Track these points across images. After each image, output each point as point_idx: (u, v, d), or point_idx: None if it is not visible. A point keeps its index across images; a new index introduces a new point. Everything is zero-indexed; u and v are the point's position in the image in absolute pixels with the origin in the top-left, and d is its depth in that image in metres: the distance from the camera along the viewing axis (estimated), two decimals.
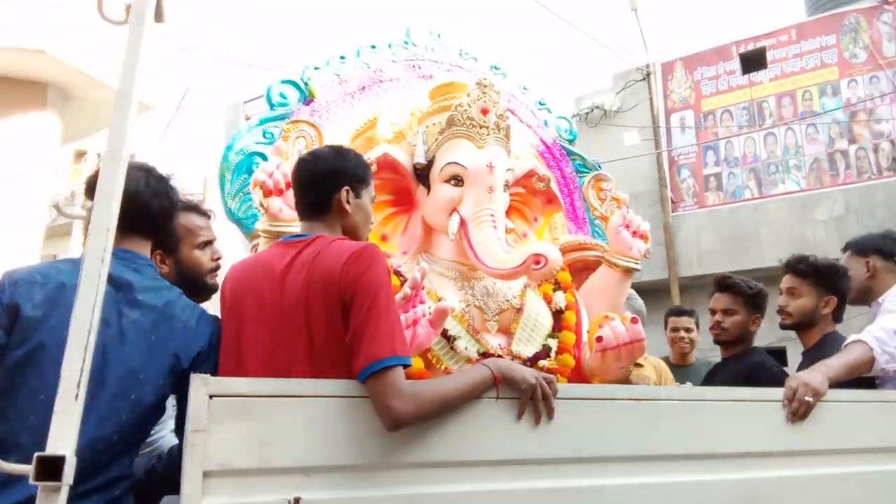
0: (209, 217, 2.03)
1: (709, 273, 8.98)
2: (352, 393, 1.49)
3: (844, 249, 2.68)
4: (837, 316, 2.57)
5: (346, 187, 1.81)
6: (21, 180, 5.12)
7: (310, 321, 1.57)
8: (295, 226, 2.28)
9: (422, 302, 1.97)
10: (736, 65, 9.38)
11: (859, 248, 2.59)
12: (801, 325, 2.55)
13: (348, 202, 1.81)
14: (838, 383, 2.01)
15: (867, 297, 2.52)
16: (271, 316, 1.63)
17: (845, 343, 2.19)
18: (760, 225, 8.76)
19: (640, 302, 3.27)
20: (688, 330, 3.92)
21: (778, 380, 2.33)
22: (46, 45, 4.97)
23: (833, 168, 8.56)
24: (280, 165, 2.27)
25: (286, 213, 2.26)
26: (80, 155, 16.54)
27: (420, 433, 1.51)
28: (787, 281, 2.60)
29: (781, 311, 2.59)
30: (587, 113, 10.12)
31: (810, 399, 1.87)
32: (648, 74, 9.78)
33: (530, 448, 1.60)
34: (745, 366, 2.68)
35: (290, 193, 2.28)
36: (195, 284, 1.98)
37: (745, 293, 2.79)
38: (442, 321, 1.98)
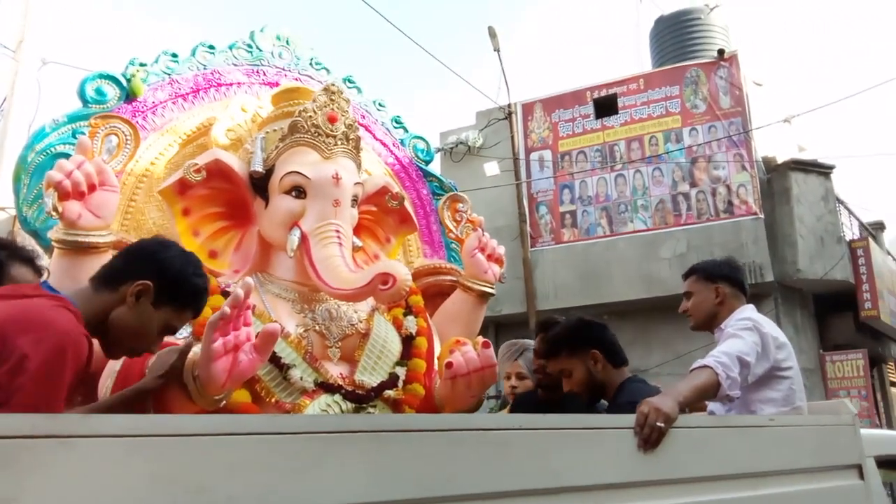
0: (41, 274, 1.69)
1: (565, 307, 9.24)
2: (135, 431, 1.19)
3: (689, 274, 2.63)
4: (615, 361, 2.37)
5: (149, 283, 1.53)
6: None
7: None
8: (98, 234, 1.95)
9: (247, 324, 1.71)
10: (590, 109, 9.86)
11: (707, 273, 2.56)
12: (595, 392, 2.36)
13: (136, 298, 1.53)
14: (691, 409, 1.95)
15: (713, 322, 2.52)
16: None
17: (691, 368, 2.16)
18: (612, 261, 9.15)
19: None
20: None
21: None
22: None
23: (676, 209, 9.13)
24: (82, 164, 1.92)
25: (87, 220, 1.92)
26: None
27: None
28: (552, 367, 2.42)
29: (572, 393, 2.38)
30: (451, 148, 10.22)
31: (662, 425, 1.79)
32: (510, 114, 10.05)
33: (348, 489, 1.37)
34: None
35: (96, 197, 1.95)
36: None
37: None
38: (269, 346, 1.73)
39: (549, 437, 1.69)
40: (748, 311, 2.45)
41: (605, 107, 9.81)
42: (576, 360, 2.33)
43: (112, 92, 2.46)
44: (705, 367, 2.10)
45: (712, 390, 2.07)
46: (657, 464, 1.78)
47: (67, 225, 1.91)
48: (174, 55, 2.65)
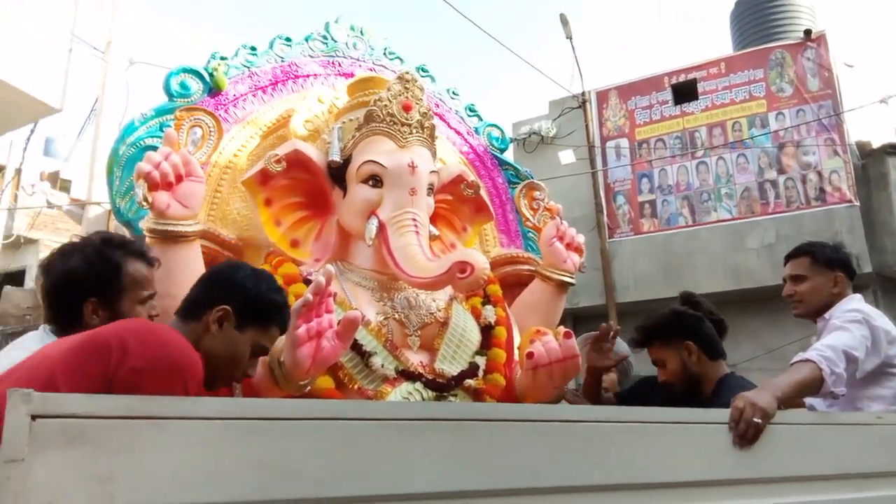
0: (153, 266, 1.75)
1: (645, 299, 8.99)
2: (224, 414, 1.21)
3: (799, 255, 2.40)
4: (712, 354, 2.29)
5: (228, 308, 1.55)
6: None
7: None
8: (186, 224, 2.00)
9: (329, 311, 1.72)
10: (668, 95, 9.52)
11: (827, 259, 2.34)
12: (690, 386, 2.26)
13: (219, 324, 1.54)
14: (787, 404, 1.84)
15: (821, 312, 2.34)
16: None
17: (792, 361, 2.03)
18: (695, 252, 8.82)
19: (623, 346, 3.04)
20: None
21: None
22: None
23: (763, 197, 8.71)
24: (169, 156, 1.98)
25: (175, 210, 1.97)
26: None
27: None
28: (650, 356, 2.36)
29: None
30: (524, 138, 10.09)
31: (759, 420, 1.69)
32: (584, 102, 9.84)
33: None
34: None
35: (183, 187, 2.00)
36: None
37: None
38: (351, 333, 1.73)
39: (637, 431, 1.62)
40: (856, 301, 2.27)
41: (685, 92, 9.44)
42: (669, 350, 2.26)
43: (195, 86, 2.53)
44: (808, 360, 1.97)
45: (815, 386, 1.93)
46: (753, 461, 1.68)
47: (157, 214, 1.97)
48: (253, 48, 2.70)
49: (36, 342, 1.59)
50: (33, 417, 1.06)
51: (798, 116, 8.65)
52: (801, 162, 8.53)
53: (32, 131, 12.18)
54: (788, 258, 2.46)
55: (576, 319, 8.91)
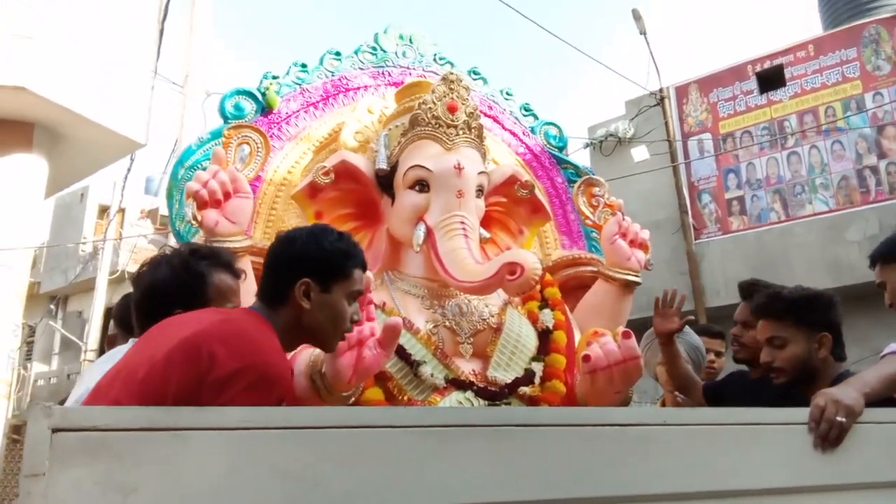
0: (240, 277, 1.78)
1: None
2: (248, 424, 1.18)
3: (873, 264, 2.18)
4: (837, 354, 2.03)
5: (307, 279, 1.51)
6: (6, 228, 4.95)
7: None
8: (235, 240, 2.03)
9: (370, 319, 1.68)
10: (753, 84, 9.06)
11: (894, 255, 2.12)
12: (799, 378, 2.00)
13: (307, 297, 1.51)
14: (876, 401, 1.64)
15: None
16: None
17: (882, 353, 1.82)
18: (789, 248, 8.30)
19: (695, 337, 2.87)
20: (718, 354, 3.49)
21: None
22: (28, 82, 4.82)
23: (863, 185, 8.11)
24: (217, 174, 2.01)
25: (223, 227, 2.00)
26: (104, 210, 16.76)
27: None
28: (763, 329, 2.06)
29: (769, 368, 2.04)
30: (601, 141, 9.85)
31: (843, 419, 1.51)
32: (662, 99, 9.49)
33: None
34: None
35: (231, 204, 2.03)
36: None
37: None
38: (393, 341, 1.69)
39: (702, 434, 1.49)
40: None
41: (771, 80, 8.95)
42: (801, 333, 1.98)
43: (249, 106, 2.58)
44: None
45: None
46: (838, 465, 1.51)
47: (207, 232, 2.01)
48: (303, 66, 2.73)
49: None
50: (54, 431, 1.06)
51: None
52: None
53: (129, 169, 13.00)
54: (873, 261, 2.20)
55: None
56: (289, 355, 1.80)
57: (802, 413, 1.56)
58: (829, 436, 1.51)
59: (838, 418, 1.51)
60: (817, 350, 1.99)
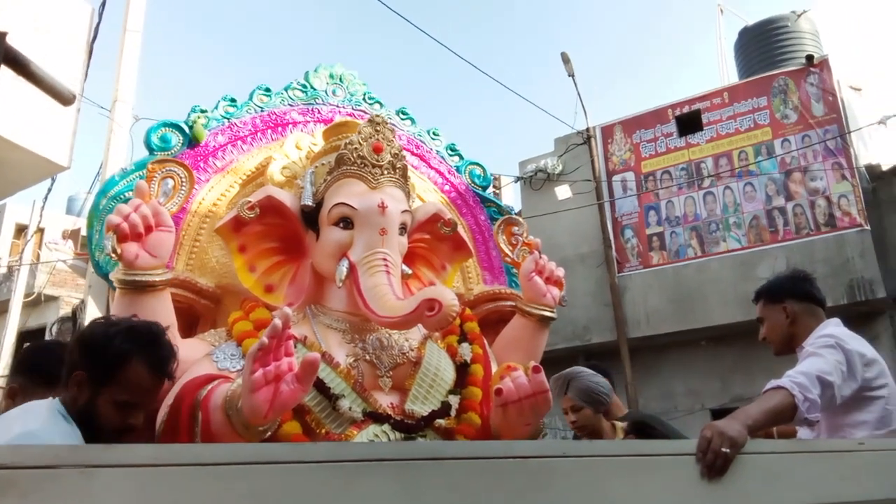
0: (163, 380, 1.78)
1: (658, 333, 8.86)
2: (157, 461, 1.21)
3: (756, 299, 2.51)
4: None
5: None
6: None
7: None
8: (154, 274, 2.03)
9: (288, 354, 1.71)
10: (673, 127, 9.55)
11: (771, 294, 2.43)
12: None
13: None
14: (759, 433, 1.79)
15: (792, 343, 2.35)
16: None
17: (764, 389, 1.98)
18: (705, 283, 8.73)
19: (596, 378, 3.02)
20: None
21: None
22: None
23: (772, 225, 8.63)
24: (139, 207, 2.02)
25: (143, 260, 2.01)
26: (21, 230, 16.02)
27: None
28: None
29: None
30: (531, 176, 10.15)
31: (727, 450, 1.64)
32: (589, 138, 9.90)
33: None
34: None
35: (153, 238, 2.04)
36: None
37: None
38: (311, 376, 1.71)
39: (599, 466, 1.59)
40: (831, 326, 2.25)
41: (689, 124, 9.48)
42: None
43: (175, 139, 2.59)
44: (779, 387, 1.93)
45: (788, 413, 1.89)
46: (723, 494, 1.63)
47: (126, 265, 2.00)
48: (233, 100, 2.77)
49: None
50: None
51: (804, 142, 8.63)
52: (809, 188, 8.47)
53: (49, 190, 12.47)
54: (753, 303, 2.56)
55: (589, 356, 8.80)
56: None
57: (691, 444, 1.69)
58: (715, 465, 1.63)
59: (723, 449, 1.64)
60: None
